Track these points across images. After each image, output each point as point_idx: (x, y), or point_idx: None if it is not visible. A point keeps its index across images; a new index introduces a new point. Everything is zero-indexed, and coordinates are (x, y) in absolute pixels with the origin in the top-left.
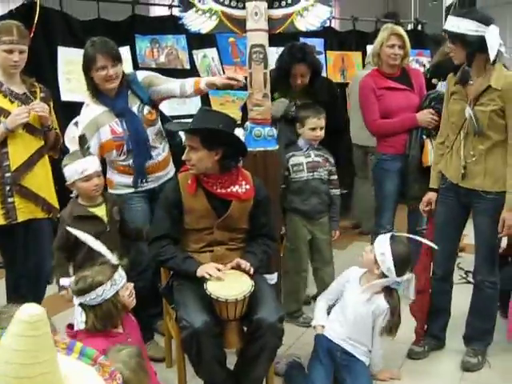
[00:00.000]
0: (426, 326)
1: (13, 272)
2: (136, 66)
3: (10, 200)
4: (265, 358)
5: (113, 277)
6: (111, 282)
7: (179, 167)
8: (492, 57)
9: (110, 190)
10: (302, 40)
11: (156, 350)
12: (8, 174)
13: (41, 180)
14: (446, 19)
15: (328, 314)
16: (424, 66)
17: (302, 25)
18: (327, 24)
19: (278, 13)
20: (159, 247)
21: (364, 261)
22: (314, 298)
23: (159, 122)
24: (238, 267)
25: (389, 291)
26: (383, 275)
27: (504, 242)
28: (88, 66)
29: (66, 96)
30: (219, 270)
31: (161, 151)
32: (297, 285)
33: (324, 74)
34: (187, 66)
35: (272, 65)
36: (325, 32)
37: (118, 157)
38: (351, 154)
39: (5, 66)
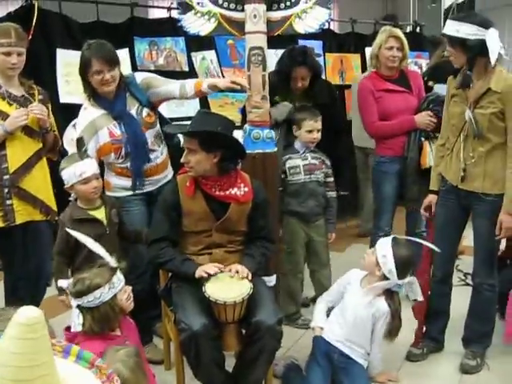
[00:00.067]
0: (424, 329)
1: (11, 274)
2: (135, 69)
3: (8, 202)
4: (263, 360)
5: (111, 280)
6: (109, 284)
7: (177, 169)
8: (493, 60)
9: (108, 192)
10: (300, 42)
11: (155, 352)
12: (6, 177)
13: (39, 182)
14: (444, 21)
15: (328, 316)
16: (420, 68)
17: (300, 27)
18: (326, 26)
19: (276, 15)
20: (158, 249)
21: (365, 263)
22: (313, 300)
23: (158, 125)
24: (236, 273)
25: (390, 294)
26: (384, 277)
27: (503, 245)
28: (84, 70)
29: (64, 98)
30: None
31: (159, 154)
32: (294, 287)
33: (323, 76)
34: (186, 69)
35: (271, 67)
36: (323, 34)
37: (116, 160)
38: (353, 156)
39: (3, 68)
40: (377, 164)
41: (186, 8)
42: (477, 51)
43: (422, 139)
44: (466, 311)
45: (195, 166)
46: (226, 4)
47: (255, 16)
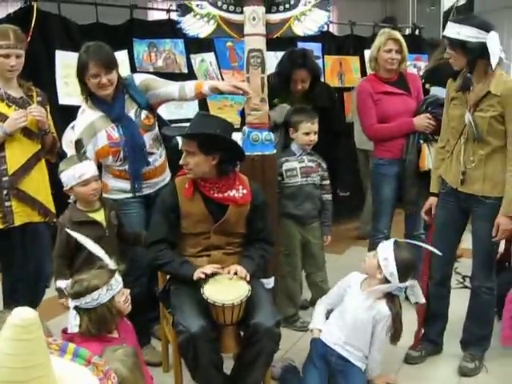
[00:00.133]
0: (422, 331)
1: (10, 276)
2: (134, 70)
3: (7, 204)
4: (261, 362)
5: (109, 282)
6: (107, 286)
7: (175, 171)
8: (494, 64)
9: (105, 195)
10: (299, 44)
11: (153, 354)
12: (5, 178)
13: (38, 184)
14: (443, 24)
15: (327, 318)
16: (420, 70)
17: (299, 29)
18: (325, 29)
19: (275, 17)
20: (157, 251)
21: (367, 266)
22: (311, 302)
23: (156, 128)
24: (234, 274)
25: (391, 297)
26: (386, 280)
27: (501, 248)
28: (82, 73)
29: (63, 100)
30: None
31: (158, 157)
32: (293, 289)
33: (322, 79)
34: (185, 70)
35: (270, 69)
36: (322, 36)
37: (114, 162)
38: (355, 158)
39: (1, 70)
40: (375, 166)
41: (185, 10)
42: (477, 54)
43: (421, 142)
44: (465, 314)
45: (194, 168)
46: (225, 6)
47: (254, 18)
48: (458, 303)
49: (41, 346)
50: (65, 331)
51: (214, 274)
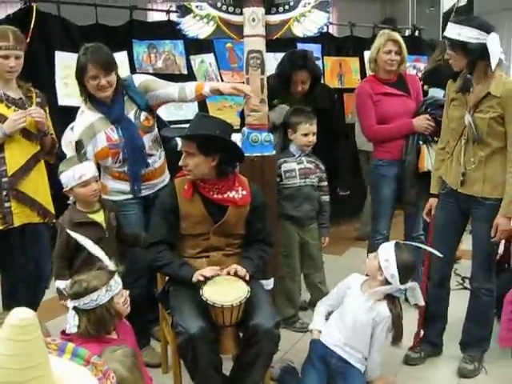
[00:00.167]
0: (422, 332)
1: (9, 277)
2: (133, 71)
3: (6, 205)
4: (261, 363)
5: (108, 283)
6: (106, 287)
7: (174, 172)
8: (494, 65)
9: (104, 196)
10: (299, 46)
11: (152, 355)
12: (5, 179)
13: (37, 185)
14: (443, 25)
15: (327, 319)
16: (419, 72)
17: (299, 30)
18: (324, 30)
19: (275, 19)
20: (156, 253)
21: (367, 267)
22: (310, 303)
23: (156, 129)
24: (234, 273)
25: (391, 299)
26: (386, 282)
27: (501, 249)
28: (80, 75)
29: (63, 101)
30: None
31: (157, 158)
32: (292, 290)
33: (322, 80)
34: (185, 72)
35: (269, 70)
36: (322, 38)
37: (114, 164)
38: (356, 159)
39: (1, 71)
40: (375, 167)
41: (184, 11)
42: (478, 55)
43: (420, 143)
44: (464, 315)
45: (193, 169)
46: (224, 7)
47: (254, 19)
48: (458, 304)
49: (39, 346)
50: (64, 333)
51: (213, 276)
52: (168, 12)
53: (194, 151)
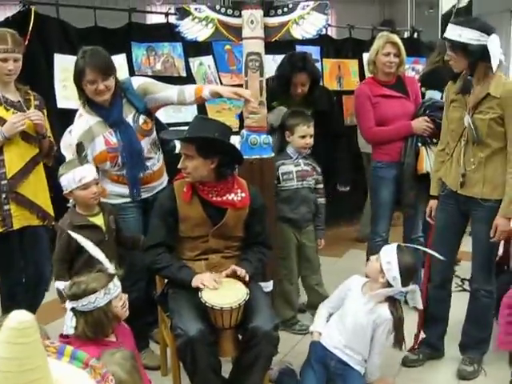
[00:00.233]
0: (422, 334)
1: (8, 279)
2: (132, 74)
3: (6, 207)
4: (260, 366)
5: (107, 285)
6: (105, 290)
7: (171, 174)
8: (495, 66)
9: (103, 199)
10: (298, 48)
11: (151, 358)
12: (4, 182)
13: (36, 187)
14: (442, 27)
15: (327, 321)
16: (416, 73)
17: (297, 33)
18: (323, 32)
19: (273, 21)
20: (155, 255)
21: (369, 269)
22: (308, 306)
23: (154, 132)
24: (233, 274)
25: (392, 302)
26: (388, 284)
27: (500, 250)
28: (79, 79)
29: (62, 103)
30: (215, 281)
31: (156, 161)
32: (290, 292)
33: (320, 82)
34: (183, 74)
35: (268, 73)
36: (321, 40)
37: (112, 168)
38: (355, 156)
39: None
40: (374, 169)
41: (183, 14)
42: (478, 56)
43: (419, 145)
44: (463, 317)
45: (192, 171)
46: (223, 10)
47: (252, 22)
48: (457, 306)
49: (38, 349)
50: (62, 335)
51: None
52: (167, 14)
53: (193, 154)
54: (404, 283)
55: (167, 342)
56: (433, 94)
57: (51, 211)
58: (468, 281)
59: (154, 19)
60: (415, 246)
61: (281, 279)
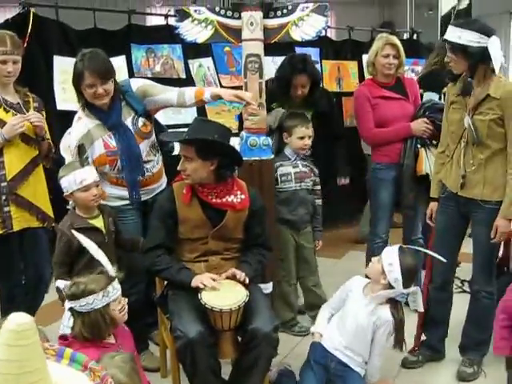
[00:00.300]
0: (421, 336)
1: (8, 281)
2: (132, 76)
3: (6, 209)
4: (260, 367)
5: (106, 288)
6: (104, 292)
7: (170, 176)
8: (496, 68)
9: (102, 202)
10: (297, 49)
11: (151, 359)
12: (4, 184)
13: (36, 189)
14: (441, 29)
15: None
16: (415, 75)
17: (297, 34)
18: (323, 33)
19: (273, 22)
20: (154, 257)
21: (370, 270)
22: (306, 307)
23: (154, 134)
24: (233, 277)
25: (394, 303)
26: (389, 286)
27: (500, 252)
28: (77, 82)
29: (61, 105)
30: (214, 280)
31: (155, 163)
32: (289, 293)
33: (320, 84)
34: (183, 76)
35: (268, 74)
36: (320, 41)
37: (112, 171)
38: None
39: None
40: (373, 171)
41: (183, 15)
42: (478, 58)
43: (419, 146)
44: (464, 318)
45: (192, 173)
46: (222, 11)
47: (252, 23)
48: (457, 308)
49: (37, 351)
50: (62, 337)
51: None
52: (166, 16)
53: (193, 156)
54: (406, 285)
55: (167, 343)
56: (430, 96)
57: (51, 213)
58: (468, 282)
59: (153, 21)
60: (416, 248)
61: (279, 281)
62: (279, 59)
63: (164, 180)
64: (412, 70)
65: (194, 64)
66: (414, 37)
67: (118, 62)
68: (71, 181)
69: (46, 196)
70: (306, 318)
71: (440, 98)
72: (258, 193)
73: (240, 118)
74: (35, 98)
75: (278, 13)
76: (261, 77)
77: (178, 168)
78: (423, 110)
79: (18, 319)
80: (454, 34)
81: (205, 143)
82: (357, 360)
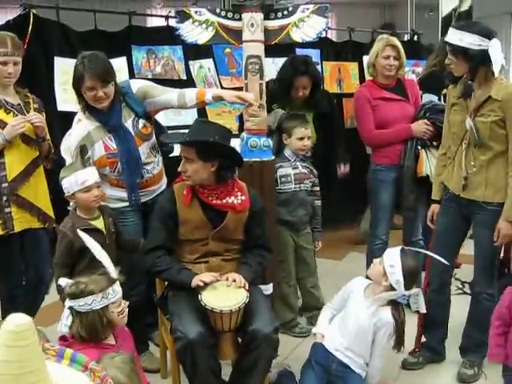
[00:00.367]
0: (423, 338)
1: (9, 282)
2: (132, 77)
3: (7, 210)
4: (260, 369)
5: (106, 290)
6: (103, 294)
7: (170, 177)
8: (496, 71)
9: (102, 203)
10: (298, 51)
11: (151, 360)
12: (5, 185)
13: (37, 190)
14: (442, 30)
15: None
16: (416, 76)
17: (297, 36)
18: (323, 35)
19: (274, 24)
20: (155, 258)
21: (372, 272)
22: (304, 308)
23: (154, 136)
24: (233, 282)
25: (395, 305)
26: (391, 288)
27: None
28: (78, 84)
29: (62, 106)
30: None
31: (156, 165)
32: (289, 294)
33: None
34: (183, 77)
35: (268, 76)
36: (321, 43)
37: (112, 173)
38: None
39: None
40: (373, 172)
41: (183, 17)
42: (479, 61)
43: (419, 147)
44: (464, 320)
45: (192, 175)
46: (223, 13)
47: (252, 25)
48: (458, 309)
49: (36, 351)
50: (62, 338)
51: (212, 282)
52: (167, 17)
53: (193, 157)
54: (407, 287)
55: (167, 344)
56: (429, 98)
57: (52, 214)
58: (469, 284)
59: (154, 22)
60: (417, 250)
61: (279, 282)
62: (280, 60)
63: (164, 181)
64: (412, 72)
65: (194, 65)
66: (415, 38)
67: (119, 63)
68: (73, 182)
69: (46, 197)
70: (302, 319)
71: (439, 100)
72: (258, 194)
73: (240, 119)
74: (35, 99)
75: (279, 14)
76: (261, 78)
77: (179, 169)
78: (424, 111)
79: (17, 320)
80: (455, 37)
81: (205, 145)
82: (358, 361)
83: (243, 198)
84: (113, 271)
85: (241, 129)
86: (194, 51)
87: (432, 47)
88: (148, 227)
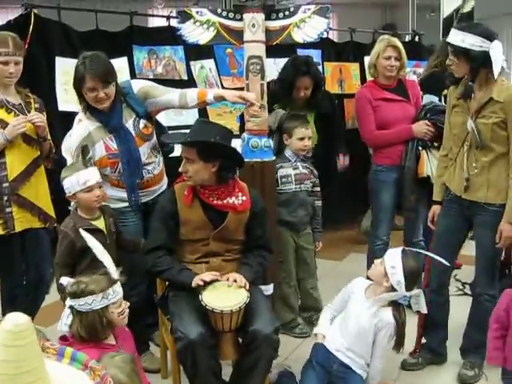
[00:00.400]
0: (423, 340)
1: (9, 282)
2: (133, 77)
3: (8, 210)
4: (260, 369)
5: (106, 290)
6: (103, 294)
7: (171, 178)
8: (496, 73)
9: (103, 203)
10: (299, 51)
11: (151, 361)
12: (6, 184)
13: (38, 190)
14: (443, 31)
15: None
16: (417, 77)
17: (299, 36)
18: (324, 35)
19: (275, 24)
20: (155, 258)
21: (373, 273)
22: (302, 309)
23: (155, 136)
24: (234, 282)
25: (396, 306)
26: (392, 289)
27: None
28: (79, 85)
29: (63, 106)
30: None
31: (156, 165)
32: (289, 295)
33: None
34: (185, 77)
35: (269, 76)
36: (322, 43)
37: (113, 173)
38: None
39: (0, 77)
40: (374, 173)
41: (185, 17)
42: (480, 62)
43: (420, 148)
44: (465, 321)
45: (193, 175)
46: (224, 13)
47: (254, 25)
48: (458, 310)
49: (34, 351)
50: (62, 338)
51: (212, 281)
52: (168, 18)
53: (194, 157)
54: (408, 288)
55: (167, 344)
56: (429, 98)
57: (53, 213)
58: (469, 285)
59: (155, 22)
60: (418, 250)
61: (280, 282)
62: (281, 61)
63: (165, 181)
64: (414, 72)
65: (195, 65)
66: (416, 39)
67: (120, 64)
68: (74, 182)
69: (47, 197)
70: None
71: (440, 101)
72: (259, 194)
73: (241, 120)
74: (36, 98)
75: (280, 14)
76: (262, 78)
77: (180, 170)
78: (424, 112)
79: (15, 319)
80: (457, 38)
81: (206, 145)
82: (359, 362)
83: (244, 198)
84: (114, 272)
85: (242, 129)
86: (195, 51)
87: (433, 48)
88: (149, 227)
